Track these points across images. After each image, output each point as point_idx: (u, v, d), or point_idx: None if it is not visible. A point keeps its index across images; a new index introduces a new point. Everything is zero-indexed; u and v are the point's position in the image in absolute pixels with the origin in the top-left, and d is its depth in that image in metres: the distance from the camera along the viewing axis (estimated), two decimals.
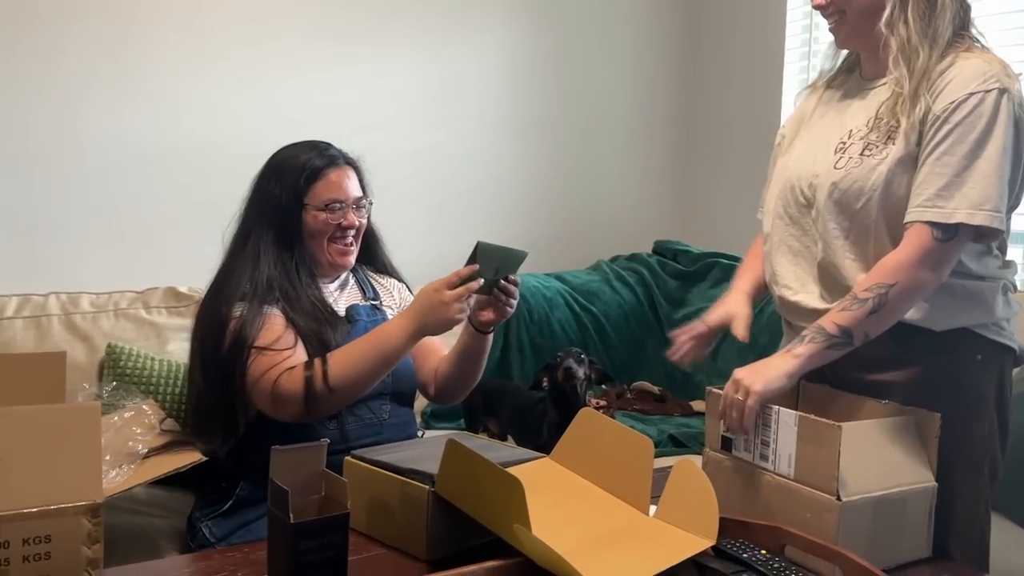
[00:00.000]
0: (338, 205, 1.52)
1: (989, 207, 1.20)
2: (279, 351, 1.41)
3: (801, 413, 1.15)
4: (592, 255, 3.12)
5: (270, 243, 1.50)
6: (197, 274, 2.25)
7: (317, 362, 1.40)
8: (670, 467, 1.45)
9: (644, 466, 1.12)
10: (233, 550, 1.12)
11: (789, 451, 1.14)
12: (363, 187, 1.60)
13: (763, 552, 1.04)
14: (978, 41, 1.28)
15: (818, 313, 1.30)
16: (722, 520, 1.07)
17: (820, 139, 1.36)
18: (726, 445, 1.23)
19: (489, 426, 2.27)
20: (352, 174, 1.57)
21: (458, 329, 1.49)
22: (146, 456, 1.42)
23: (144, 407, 1.51)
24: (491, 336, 1.55)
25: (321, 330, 1.46)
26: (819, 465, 1.10)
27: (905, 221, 1.24)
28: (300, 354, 1.43)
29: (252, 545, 1.12)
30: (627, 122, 3.25)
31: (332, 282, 1.59)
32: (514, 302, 1.46)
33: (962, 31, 1.27)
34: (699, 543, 1.04)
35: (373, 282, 1.67)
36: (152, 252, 2.35)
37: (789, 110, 3.01)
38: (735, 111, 3.19)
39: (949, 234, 1.21)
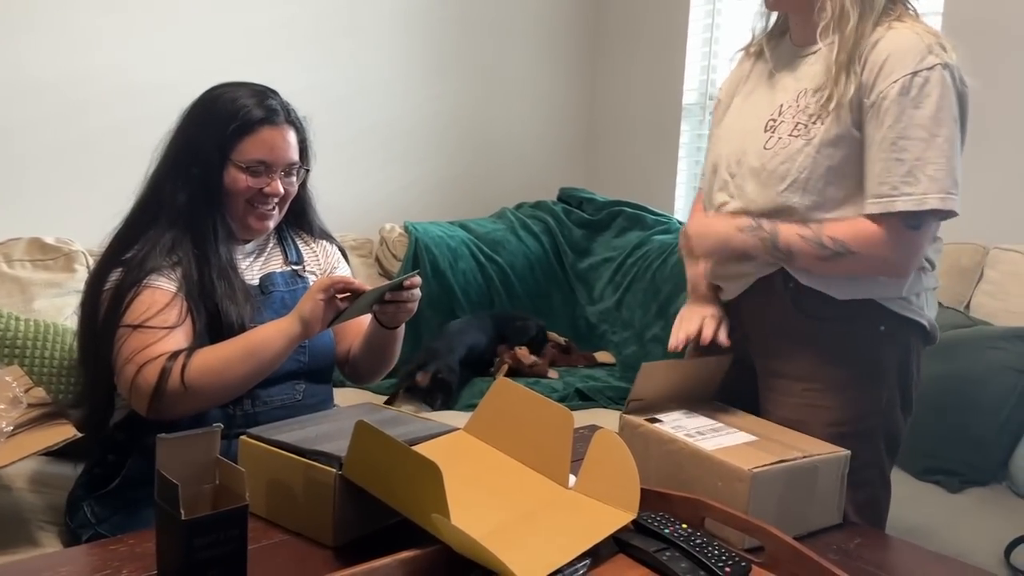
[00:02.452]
0: (263, 168, 1.36)
1: (955, 191, 1.19)
2: (154, 330, 1.25)
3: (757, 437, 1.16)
4: (496, 202, 3.07)
5: (185, 195, 1.33)
6: (65, 223, 2.06)
7: (181, 355, 1.25)
8: (582, 428, 1.45)
9: (563, 438, 1.09)
10: (116, 542, 1.01)
11: (724, 446, 1.14)
12: (303, 151, 1.43)
13: (684, 526, 1.02)
14: (911, 7, 1.25)
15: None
16: (642, 491, 1.05)
17: (751, 113, 1.33)
18: (653, 421, 1.22)
19: (418, 380, 2.26)
20: (291, 136, 1.40)
21: None
22: (12, 433, 1.28)
23: (7, 378, 1.36)
24: (398, 332, 1.44)
25: (224, 306, 1.31)
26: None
27: (871, 212, 1.21)
28: (179, 336, 1.28)
29: (138, 536, 1.02)
30: (533, 66, 3.16)
31: (247, 243, 1.44)
32: (408, 307, 1.35)
33: None
34: (620, 517, 1.02)
35: (299, 243, 1.52)
36: (13, 198, 2.12)
37: (695, 60, 3.05)
38: (641, 61, 3.15)
39: (918, 220, 1.20)
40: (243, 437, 1.08)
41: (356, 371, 1.52)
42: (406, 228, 2.73)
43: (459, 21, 2.97)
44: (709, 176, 1.38)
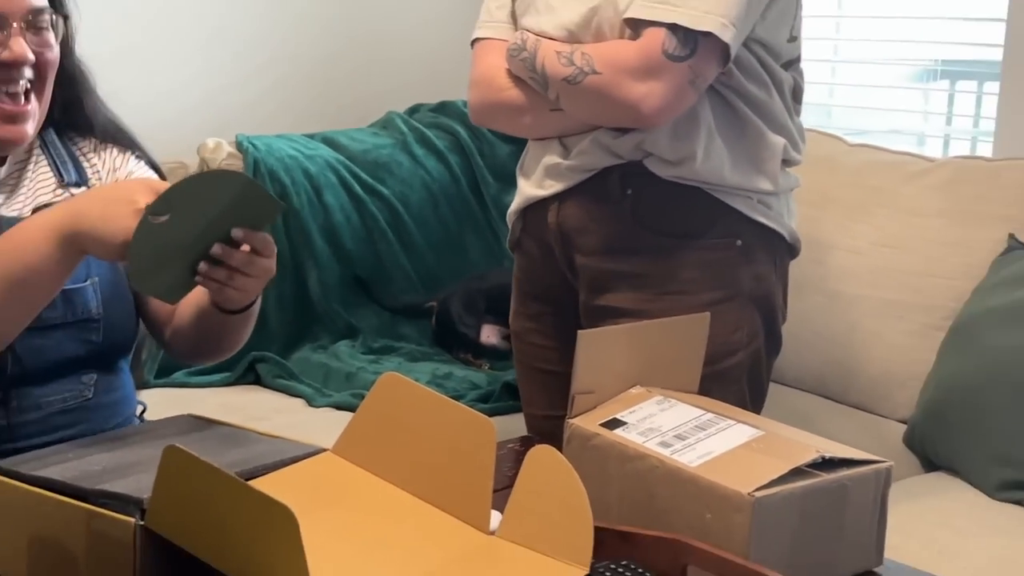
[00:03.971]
0: None
1: (739, 29, 1.54)
2: None
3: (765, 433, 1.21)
4: (381, 104, 3.06)
5: None
6: None
7: None
8: (512, 443, 1.46)
9: (482, 461, 1.11)
10: None
11: (716, 454, 1.17)
12: None
13: None
14: None
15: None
16: (597, 531, 1.08)
17: None
18: (613, 424, 1.25)
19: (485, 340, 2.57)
20: None
21: None
22: None
23: None
24: (241, 318, 1.41)
25: None
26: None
27: (633, 15, 1.57)
28: None
29: None
30: None
31: None
32: (249, 282, 1.27)
33: None
34: (565, 572, 1.05)
35: (78, 155, 1.47)
36: None
37: None
38: None
39: (687, 47, 1.53)
40: None
41: (182, 349, 1.52)
42: (239, 145, 2.70)
43: None
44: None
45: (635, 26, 1.58)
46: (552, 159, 1.74)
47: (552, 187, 1.74)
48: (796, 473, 1.13)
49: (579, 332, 1.28)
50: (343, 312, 2.72)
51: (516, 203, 1.85)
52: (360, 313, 2.74)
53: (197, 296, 1.39)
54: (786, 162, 1.70)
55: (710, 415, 1.25)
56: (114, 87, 1.50)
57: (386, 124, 2.99)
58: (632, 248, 1.69)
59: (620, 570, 1.07)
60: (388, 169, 2.83)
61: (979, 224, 2.25)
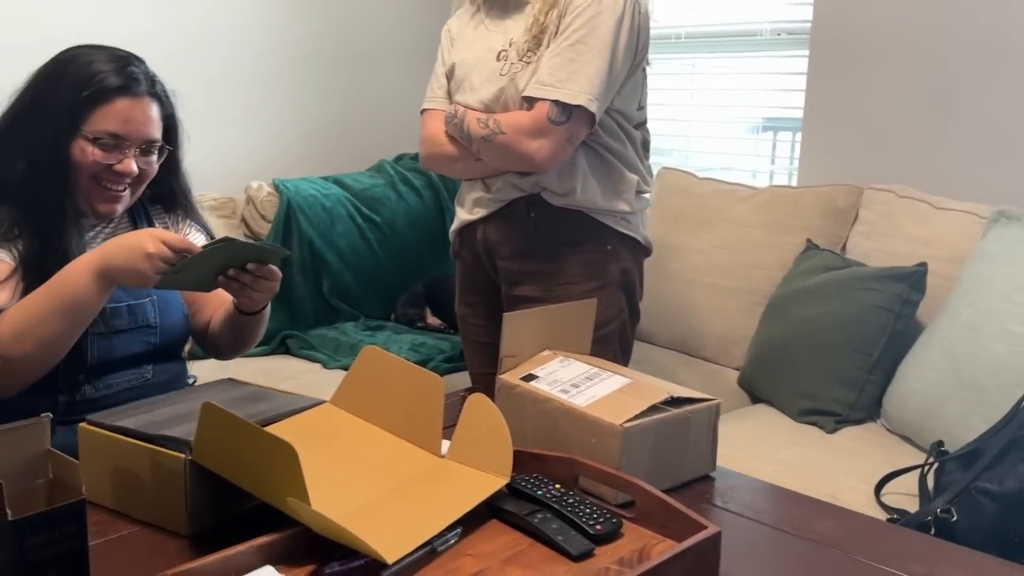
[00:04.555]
0: (112, 141, 1.29)
1: (602, 101, 1.56)
2: None
3: (632, 381, 1.20)
4: (374, 154, 3.01)
5: (24, 163, 1.26)
6: None
7: None
8: (462, 392, 1.45)
9: (434, 405, 1.10)
10: None
11: (598, 398, 1.17)
12: (168, 129, 1.36)
13: (557, 487, 1.05)
14: None
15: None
16: (516, 453, 1.07)
17: (483, 44, 1.68)
18: (529, 378, 1.24)
19: (428, 320, 2.63)
20: (152, 108, 1.32)
21: None
22: None
23: None
24: (258, 317, 1.40)
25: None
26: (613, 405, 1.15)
27: (530, 94, 1.58)
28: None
29: None
30: (410, 5, 3.09)
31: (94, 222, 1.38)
32: (256, 295, 1.29)
33: None
34: (493, 482, 1.04)
35: (152, 213, 1.44)
36: None
37: None
38: None
39: (565, 115, 1.55)
40: (82, 424, 1.04)
41: (215, 348, 1.49)
42: (276, 187, 2.65)
43: None
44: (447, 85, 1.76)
45: (530, 101, 1.60)
46: (478, 194, 1.75)
47: (479, 213, 1.75)
48: (653, 409, 1.14)
49: (504, 314, 1.27)
50: (347, 304, 2.69)
51: (455, 225, 1.84)
52: (357, 306, 2.72)
53: (227, 308, 1.42)
54: (640, 192, 1.72)
55: (595, 369, 1.25)
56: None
57: (379, 169, 2.95)
58: (535, 254, 1.71)
59: (533, 481, 1.06)
60: (381, 202, 2.78)
61: (787, 232, 2.28)
